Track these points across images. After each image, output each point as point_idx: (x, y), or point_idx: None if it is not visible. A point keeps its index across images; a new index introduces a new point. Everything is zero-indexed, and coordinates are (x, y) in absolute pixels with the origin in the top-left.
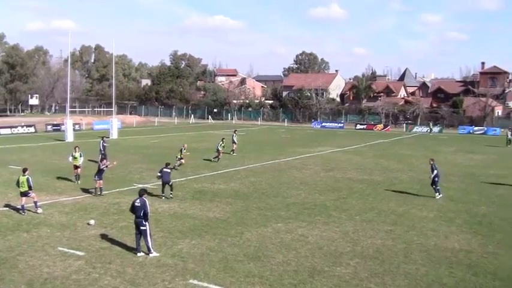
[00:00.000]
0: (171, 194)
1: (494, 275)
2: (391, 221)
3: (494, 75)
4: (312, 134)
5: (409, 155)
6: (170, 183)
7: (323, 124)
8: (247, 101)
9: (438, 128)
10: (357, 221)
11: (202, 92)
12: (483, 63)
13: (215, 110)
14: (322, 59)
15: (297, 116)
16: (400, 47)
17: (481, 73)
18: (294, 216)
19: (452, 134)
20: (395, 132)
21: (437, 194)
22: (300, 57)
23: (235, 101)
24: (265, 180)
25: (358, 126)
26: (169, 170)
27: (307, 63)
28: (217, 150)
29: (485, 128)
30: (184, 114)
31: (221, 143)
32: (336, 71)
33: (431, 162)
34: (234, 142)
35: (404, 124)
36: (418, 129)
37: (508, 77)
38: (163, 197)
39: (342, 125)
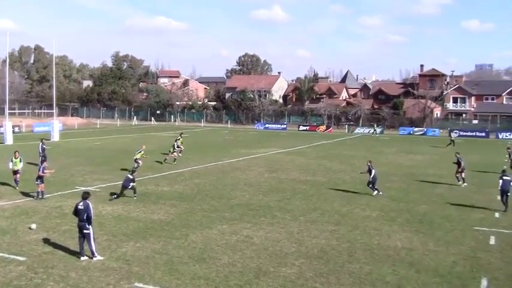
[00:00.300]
0: (135, 196)
1: (435, 272)
2: (334, 221)
3: (432, 77)
4: (256, 135)
5: (352, 156)
6: (130, 188)
7: (266, 125)
8: (190, 103)
9: (380, 129)
10: (301, 221)
11: (144, 94)
12: (422, 66)
13: (158, 112)
14: (265, 61)
15: (240, 117)
16: (341, 49)
17: (420, 75)
18: (238, 218)
19: (393, 135)
20: (337, 134)
21: (376, 192)
22: (242, 59)
23: (178, 103)
24: (209, 181)
25: (301, 128)
26: (131, 177)
27: (250, 65)
28: (173, 148)
29: (425, 129)
30: (126, 116)
31: (179, 137)
32: (279, 72)
33: (369, 164)
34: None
35: (347, 125)
36: (360, 130)
37: (446, 79)
38: (113, 198)
39: (285, 126)
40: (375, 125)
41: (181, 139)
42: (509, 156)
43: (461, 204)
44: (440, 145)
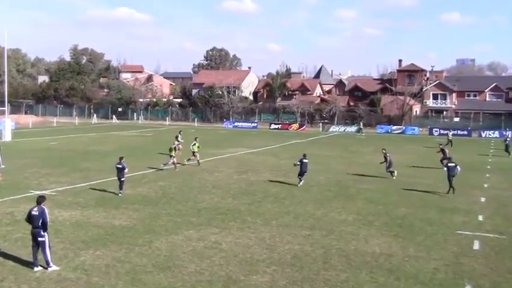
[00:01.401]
0: (120, 192)
1: (415, 279)
2: (309, 225)
3: (411, 72)
4: (224, 134)
5: (327, 156)
6: (122, 179)
7: (235, 124)
8: (155, 100)
9: (355, 128)
10: (273, 226)
11: (105, 90)
12: (400, 61)
13: (120, 109)
14: (234, 56)
15: (207, 115)
16: (315, 43)
17: (398, 71)
18: (206, 223)
19: (370, 134)
20: (311, 132)
21: (395, 174)
22: (210, 53)
23: (141, 100)
24: (174, 184)
25: (273, 126)
26: (121, 166)
27: (218, 59)
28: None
29: (404, 127)
30: (86, 114)
31: (195, 142)
32: (249, 68)
33: (384, 151)
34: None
35: (321, 123)
36: (335, 128)
37: (425, 75)
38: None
39: (255, 124)
40: (361, 123)
41: (177, 141)
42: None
43: (443, 207)
44: (420, 144)
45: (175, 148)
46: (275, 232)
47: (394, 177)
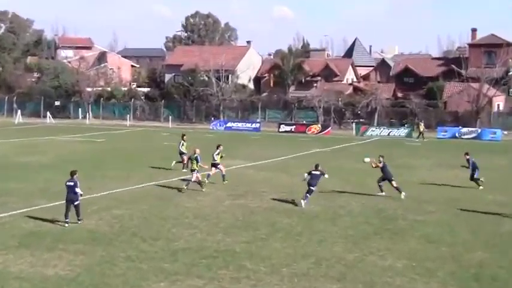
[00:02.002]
0: (79, 219)
1: None
2: (336, 275)
3: (491, 48)
4: (212, 139)
5: (362, 172)
6: (76, 203)
7: (229, 124)
8: (109, 89)
9: (406, 130)
10: (284, 275)
11: (35, 74)
12: (474, 31)
13: (57, 103)
14: (226, 25)
15: (187, 112)
16: (344, 7)
17: (470, 45)
18: (185, 271)
19: (429, 139)
20: (339, 137)
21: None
22: (191, 21)
23: (89, 89)
24: (138, 213)
25: (283, 128)
26: (72, 183)
27: (203, 30)
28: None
29: (479, 130)
30: (5, 110)
31: (218, 151)
32: (248, 42)
33: (467, 157)
34: (182, 153)
35: (354, 124)
36: (374, 131)
37: None
38: (66, 225)
39: (257, 125)
40: (422, 124)
41: (185, 144)
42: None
43: None
44: (506, 156)
45: (196, 159)
46: (287, 285)
47: (479, 189)
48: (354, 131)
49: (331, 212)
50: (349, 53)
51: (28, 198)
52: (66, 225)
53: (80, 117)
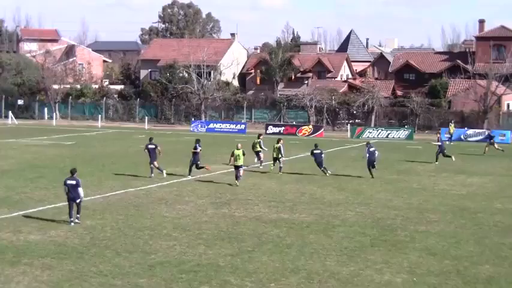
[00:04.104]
0: (77, 217)
1: None
2: None
3: (501, 41)
4: (193, 142)
5: (358, 178)
6: (78, 201)
7: (211, 126)
8: (79, 87)
9: (406, 132)
10: None
11: None
12: (482, 22)
13: (20, 102)
14: (208, 15)
15: (165, 112)
16: None
17: (477, 38)
18: (163, 287)
19: (431, 141)
20: (333, 139)
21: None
22: (169, 11)
23: (56, 87)
24: (111, 223)
25: (271, 129)
26: (74, 182)
27: (182, 21)
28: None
29: (487, 131)
30: None
31: (259, 140)
32: (232, 35)
33: (439, 135)
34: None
35: (349, 125)
36: (372, 133)
37: None
38: (72, 224)
39: (242, 127)
40: (452, 124)
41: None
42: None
43: None
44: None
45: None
46: None
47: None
48: (349, 133)
49: (324, 222)
50: (343, 47)
51: None
52: (72, 224)
53: (46, 117)
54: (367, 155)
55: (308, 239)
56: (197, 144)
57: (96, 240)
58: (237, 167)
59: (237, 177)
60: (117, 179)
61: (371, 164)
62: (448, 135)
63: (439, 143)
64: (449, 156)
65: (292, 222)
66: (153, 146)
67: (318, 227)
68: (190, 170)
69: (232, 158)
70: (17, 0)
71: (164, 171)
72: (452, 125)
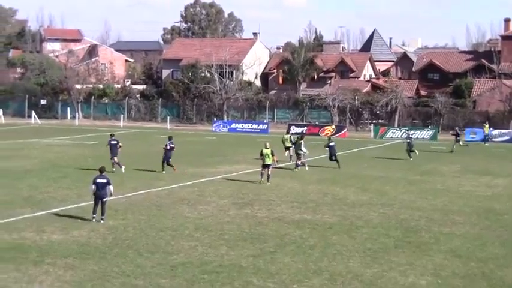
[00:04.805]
0: (102, 218)
1: None
2: None
3: None
4: (215, 142)
5: (382, 179)
6: (105, 200)
7: (233, 126)
8: (101, 86)
9: (430, 132)
10: None
11: (18, 70)
12: (507, 21)
13: (43, 102)
14: (230, 15)
15: (187, 111)
16: None
17: (503, 37)
18: (185, 287)
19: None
20: (356, 139)
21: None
22: (191, 10)
23: (79, 86)
24: (133, 223)
25: (293, 130)
26: (105, 180)
27: (204, 21)
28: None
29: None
30: None
31: (290, 136)
32: (255, 34)
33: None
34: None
35: (372, 125)
36: (395, 133)
37: None
38: (93, 220)
39: (265, 127)
40: (486, 125)
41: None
42: None
43: None
44: None
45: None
46: None
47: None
48: (372, 133)
49: (348, 223)
50: (366, 47)
51: (10, 207)
52: (93, 220)
53: (69, 117)
54: (328, 149)
55: (331, 240)
56: (169, 142)
57: (119, 241)
58: (265, 166)
59: (266, 176)
60: (139, 178)
61: (333, 156)
62: (485, 135)
63: (408, 141)
64: (413, 151)
65: (315, 223)
66: (115, 142)
67: (341, 228)
68: (163, 167)
69: (270, 157)
70: (40, 0)
71: (123, 167)
72: (487, 126)
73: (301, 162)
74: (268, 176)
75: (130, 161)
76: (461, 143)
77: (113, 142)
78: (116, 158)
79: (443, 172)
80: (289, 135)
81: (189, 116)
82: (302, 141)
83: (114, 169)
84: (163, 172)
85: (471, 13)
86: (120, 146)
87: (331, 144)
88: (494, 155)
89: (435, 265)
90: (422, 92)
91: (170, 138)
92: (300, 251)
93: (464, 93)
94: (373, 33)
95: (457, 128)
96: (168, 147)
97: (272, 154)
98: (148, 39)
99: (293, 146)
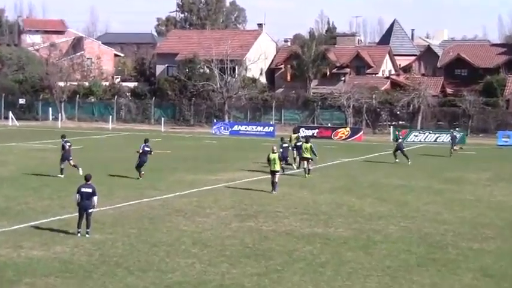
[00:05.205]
0: (87, 231)
1: None
2: None
3: None
4: (215, 146)
5: (402, 187)
6: (90, 211)
7: (235, 128)
8: (87, 84)
9: (457, 135)
10: None
11: None
12: None
13: (22, 102)
14: (232, 3)
15: (184, 112)
16: None
17: None
18: None
19: (486, 146)
20: (373, 143)
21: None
22: None
23: (62, 84)
24: (122, 238)
25: (303, 132)
26: (90, 190)
27: (203, 10)
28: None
29: None
30: None
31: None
32: (260, 26)
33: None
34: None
35: (391, 127)
36: (418, 136)
37: None
38: (78, 234)
39: (271, 129)
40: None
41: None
42: None
43: None
44: None
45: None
46: None
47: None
48: (392, 136)
49: (364, 238)
50: (385, 39)
51: None
52: (78, 234)
53: (51, 118)
54: (281, 151)
55: (345, 256)
56: (144, 145)
57: (106, 257)
58: (273, 173)
59: (273, 185)
60: (129, 187)
61: (284, 159)
62: None
63: (397, 143)
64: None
65: (327, 238)
66: (69, 144)
67: (357, 244)
68: (139, 173)
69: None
70: None
71: (80, 169)
72: None
73: (309, 168)
74: (275, 185)
75: (120, 168)
76: (455, 147)
77: (67, 144)
78: (71, 161)
79: (471, 180)
80: (296, 135)
81: (186, 117)
82: (310, 144)
83: (62, 175)
84: (140, 179)
85: (504, 1)
86: (150, 153)
87: (284, 145)
88: None
89: (463, 286)
90: (449, 90)
91: (146, 141)
92: (311, 269)
93: (496, 92)
94: (392, 23)
95: (452, 130)
96: (142, 151)
97: (280, 160)
98: (140, 31)
99: (295, 149)
